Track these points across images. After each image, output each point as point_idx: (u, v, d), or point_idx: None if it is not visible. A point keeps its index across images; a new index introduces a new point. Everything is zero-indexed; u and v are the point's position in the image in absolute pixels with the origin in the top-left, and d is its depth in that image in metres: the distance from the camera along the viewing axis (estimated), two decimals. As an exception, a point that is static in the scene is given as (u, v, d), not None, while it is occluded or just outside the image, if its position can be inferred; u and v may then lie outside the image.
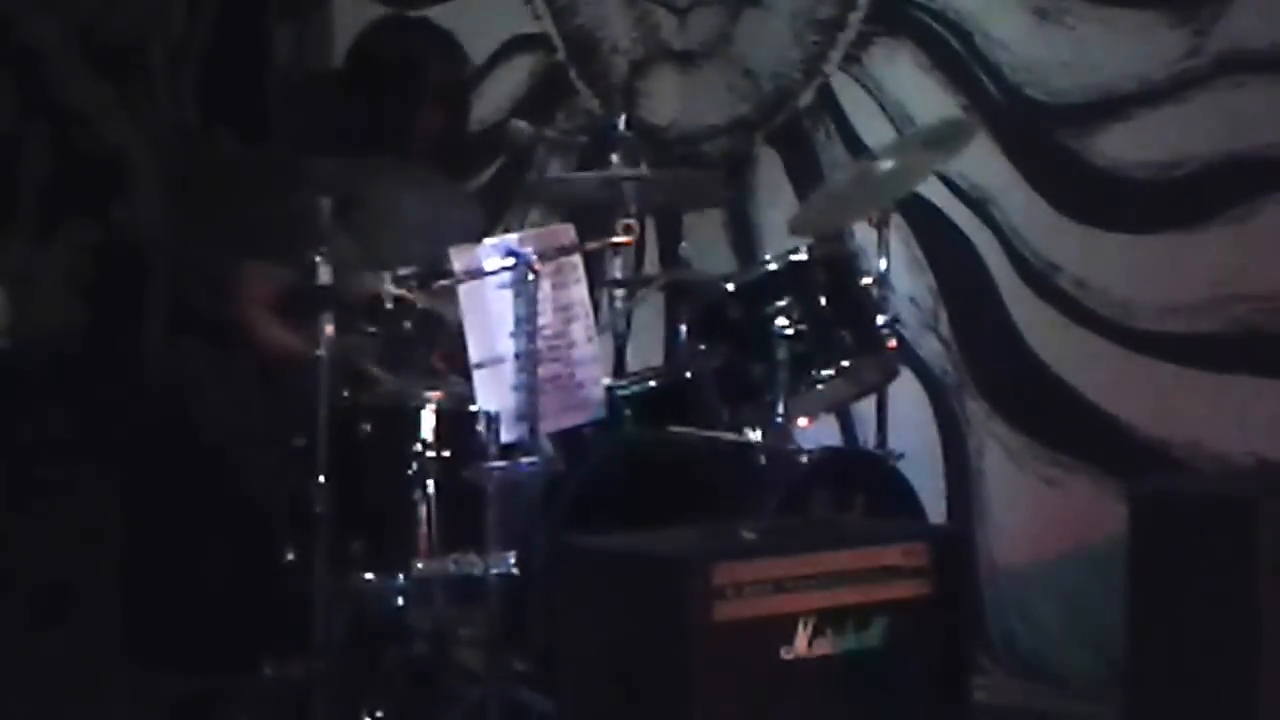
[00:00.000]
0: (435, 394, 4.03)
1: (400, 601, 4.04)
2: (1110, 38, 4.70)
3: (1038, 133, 4.83)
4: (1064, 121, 4.78)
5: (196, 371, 6.10)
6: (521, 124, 4.83)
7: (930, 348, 5.02)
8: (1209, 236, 4.48)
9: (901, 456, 4.42)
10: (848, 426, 5.03)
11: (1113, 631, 3.68)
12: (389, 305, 4.06)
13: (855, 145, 5.15)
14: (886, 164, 4.55)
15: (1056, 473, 4.77)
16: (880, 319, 4.27)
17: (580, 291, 4.02)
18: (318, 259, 3.94)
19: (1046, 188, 4.82)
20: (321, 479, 3.88)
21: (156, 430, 5.60)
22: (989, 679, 4.63)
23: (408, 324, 4.07)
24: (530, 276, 3.85)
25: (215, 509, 5.15)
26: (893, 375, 4.42)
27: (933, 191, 4.95)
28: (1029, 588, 4.78)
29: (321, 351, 3.91)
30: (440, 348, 4.10)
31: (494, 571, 3.83)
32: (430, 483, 3.98)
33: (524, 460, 3.85)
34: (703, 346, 4.25)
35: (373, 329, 4.08)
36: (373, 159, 4.44)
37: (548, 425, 3.95)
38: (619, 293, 4.56)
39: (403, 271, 4.06)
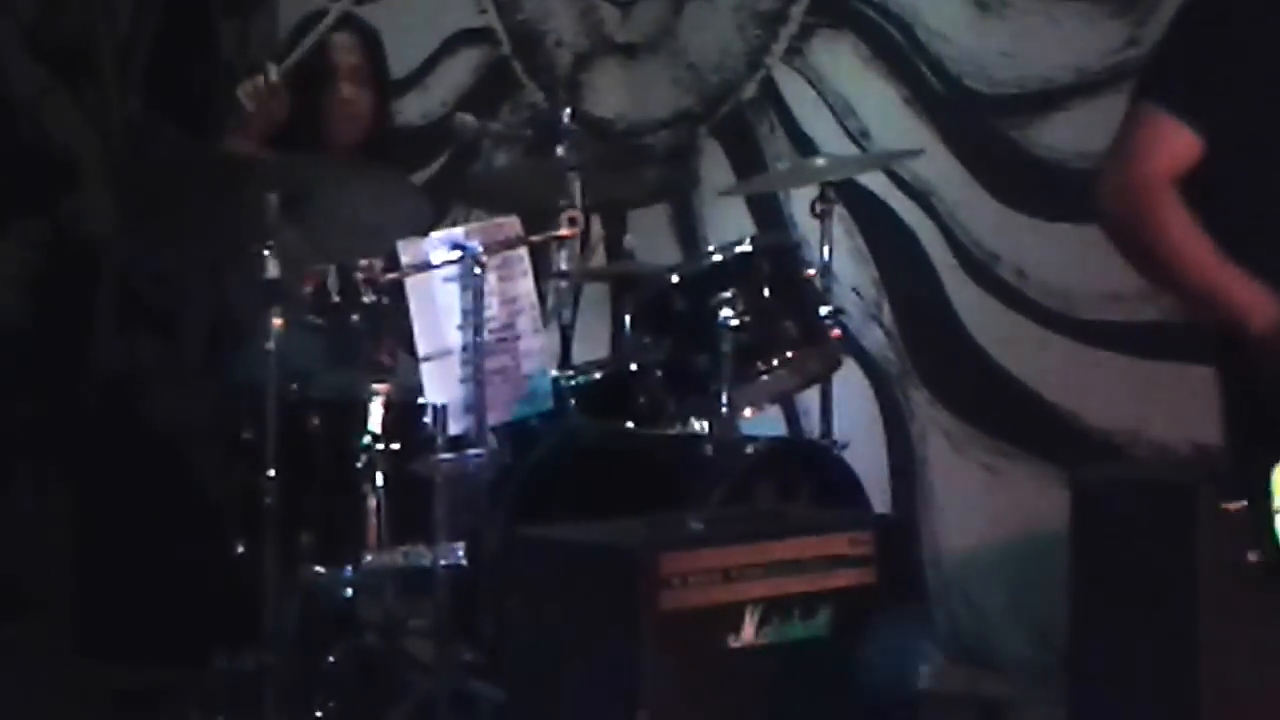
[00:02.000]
0: (383, 386, 4.02)
1: (350, 593, 4.03)
2: (1050, 29, 4.71)
3: (978, 124, 4.83)
4: (1004, 112, 4.78)
5: (145, 365, 6.07)
6: (467, 117, 4.81)
7: (873, 338, 5.02)
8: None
9: (845, 446, 4.42)
10: (792, 416, 5.02)
11: (1056, 618, 3.68)
12: (335, 298, 4.03)
13: (798, 137, 5.15)
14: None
15: (999, 461, 4.78)
16: (824, 310, 4.26)
17: (526, 284, 4.00)
18: (265, 253, 3.92)
19: (987, 178, 4.82)
20: (270, 472, 3.87)
21: (105, 424, 5.57)
22: (933, 666, 4.63)
23: (355, 317, 4.05)
24: (477, 270, 3.83)
25: (164, 502, 5.12)
26: (836, 365, 4.42)
27: (875, 182, 4.95)
28: (972, 575, 4.79)
29: (270, 345, 3.88)
30: (386, 341, 4.07)
31: (443, 563, 3.82)
32: (379, 475, 3.98)
33: (471, 452, 3.83)
34: (648, 338, 4.23)
35: (319, 321, 4.05)
36: (320, 154, 4.42)
37: (495, 417, 3.94)
38: (564, 285, 4.54)
39: (351, 264, 4.04)
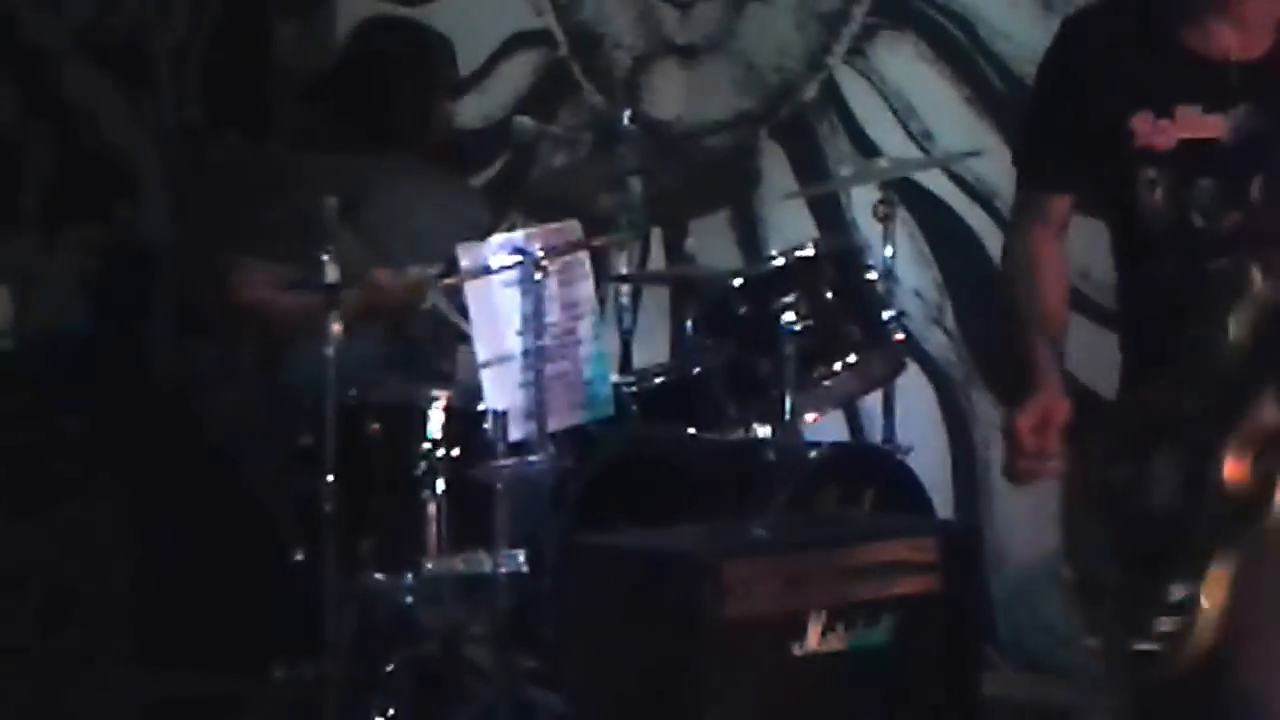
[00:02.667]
0: (442, 392, 4.03)
1: (410, 601, 4.05)
2: None
3: None
4: None
5: (202, 371, 6.10)
6: (525, 120, 4.83)
7: (936, 341, 5.01)
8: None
9: (909, 451, 4.42)
10: (855, 421, 5.02)
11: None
12: (398, 306, 4.05)
13: (860, 138, 5.15)
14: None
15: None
16: (886, 313, 4.27)
17: (587, 288, 4.01)
18: (324, 258, 3.94)
19: None
20: (329, 478, 3.87)
21: (163, 430, 5.60)
22: (997, 673, 4.62)
23: (419, 324, 4.07)
24: (537, 274, 3.84)
25: (223, 509, 5.15)
26: (899, 369, 4.42)
27: (938, 185, 4.95)
28: (1036, 581, 4.78)
29: (329, 349, 3.90)
30: (448, 348, 4.10)
31: (503, 570, 3.83)
32: (439, 481, 3.98)
33: (532, 458, 3.84)
34: (709, 342, 4.24)
35: (382, 329, 4.08)
36: (377, 156, 4.43)
37: (555, 423, 3.95)
38: (625, 289, 4.55)
39: (413, 270, 4.06)
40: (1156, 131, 2.81)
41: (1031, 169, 3.01)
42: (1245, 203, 2.80)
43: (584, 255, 4.02)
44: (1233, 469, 2.60)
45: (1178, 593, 2.62)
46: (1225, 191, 2.80)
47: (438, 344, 4.08)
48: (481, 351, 3.88)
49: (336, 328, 3.91)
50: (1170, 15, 2.82)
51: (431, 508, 3.97)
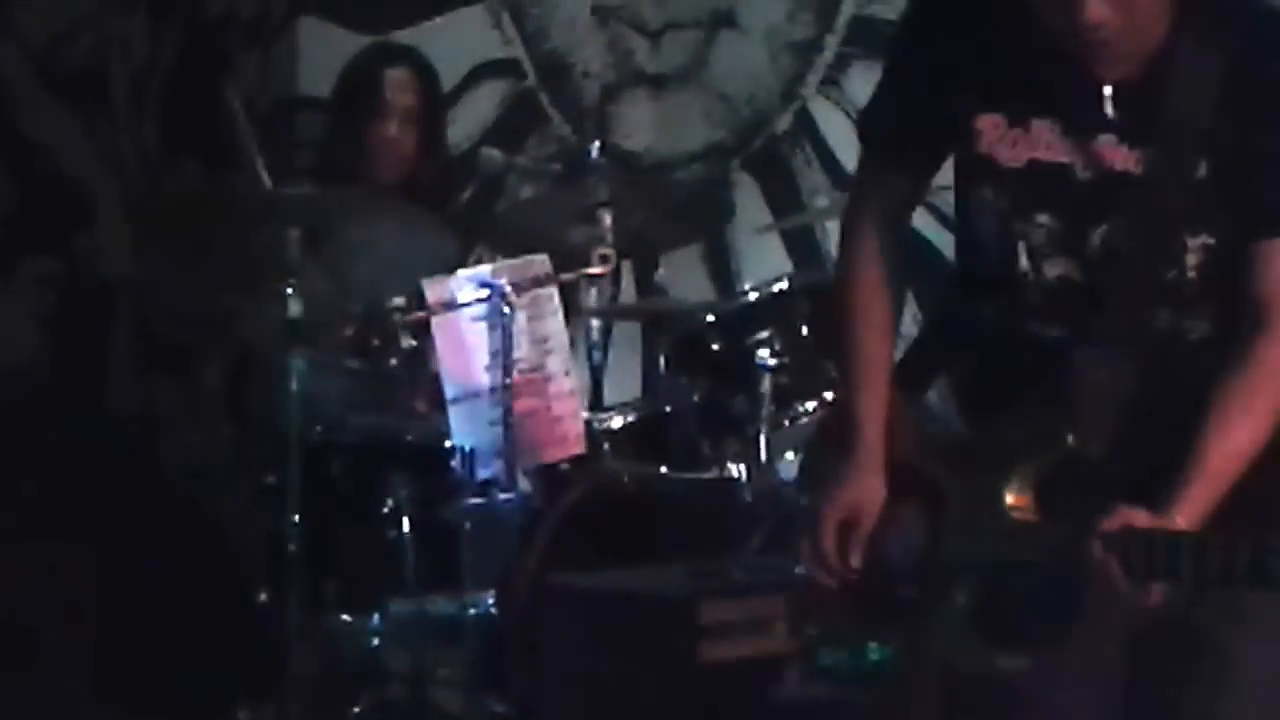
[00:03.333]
0: (410, 430, 4.03)
1: (376, 643, 4.04)
2: None
3: None
4: None
5: (164, 408, 6.08)
6: (493, 152, 4.83)
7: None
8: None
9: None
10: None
11: None
12: (375, 341, 4.04)
13: (835, 170, 5.16)
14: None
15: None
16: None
17: (557, 323, 4.01)
18: (288, 291, 3.93)
19: None
20: (294, 517, 3.86)
21: (123, 468, 5.58)
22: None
23: (393, 361, 4.05)
24: (506, 309, 3.84)
25: (185, 549, 5.13)
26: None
27: (916, 217, 4.95)
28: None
29: (293, 385, 3.90)
30: (423, 387, 4.08)
31: (472, 611, 3.83)
32: (406, 520, 3.98)
33: (501, 497, 3.83)
34: (682, 379, 4.24)
35: (356, 365, 4.07)
36: (342, 188, 4.44)
37: (525, 461, 3.93)
38: (595, 323, 4.54)
39: (387, 305, 4.05)
40: (1004, 141, 2.49)
41: (873, 133, 2.70)
42: (1081, 253, 2.48)
43: (553, 289, 4.02)
44: None
45: None
46: (1064, 234, 2.48)
47: (412, 380, 4.07)
48: (449, 388, 3.88)
49: (300, 362, 3.91)
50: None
51: (399, 547, 3.98)
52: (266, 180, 4.31)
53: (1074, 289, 2.49)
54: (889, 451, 2.61)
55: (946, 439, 2.65)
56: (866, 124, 2.74)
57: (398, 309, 4.03)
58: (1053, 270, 2.50)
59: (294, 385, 3.91)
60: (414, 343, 4.05)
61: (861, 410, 2.63)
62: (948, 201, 4.88)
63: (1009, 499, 2.46)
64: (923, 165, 2.66)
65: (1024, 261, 2.51)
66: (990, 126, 2.49)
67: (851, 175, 4.97)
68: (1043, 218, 2.49)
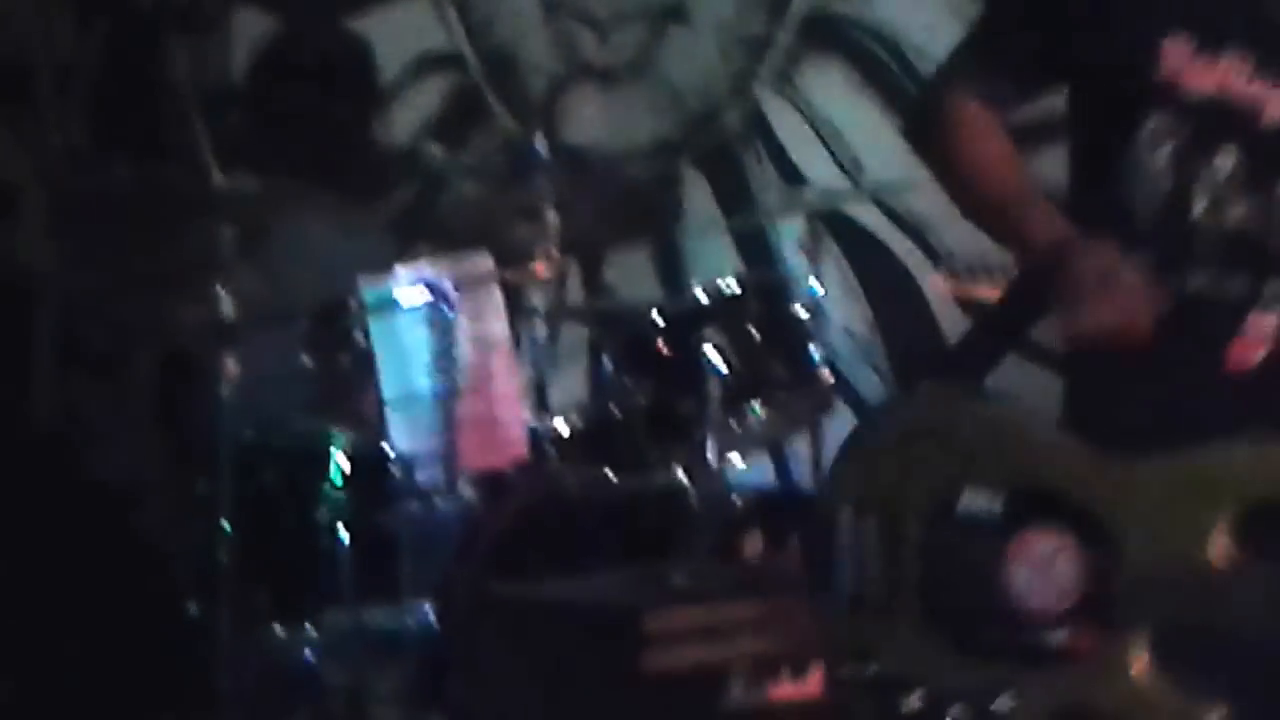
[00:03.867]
0: (345, 434, 4.04)
1: (311, 656, 4.05)
2: None
3: None
4: None
5: (88, 412, 6.08)
6: (434, 148, 4.85)
7: (866, 380, 5.07)
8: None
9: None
10: (781, 464, 5.07)
11: None
12: (328, 338, 4.02)
13: (786, 168, 5.21)
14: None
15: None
16: (814, 351, 4.31)
17: (500, 324, 4.04)
18: (219, 291, 3.95)
19: None
20: (225, 526, 3.88)
21: (44, 474, 5.57)
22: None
23: (344, 359, 4.05)
24: (447, 309, 3.86)
25: (111, 559, 5.13)
26: (827, 409, 4.47)
27: (867, 217, 5.01)
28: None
29: (223, 390, 3.92)
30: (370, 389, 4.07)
31: (411, 622, 3.84)
32: (342, 528, 3.99)
33: (441, 503, 3.86)
34: (628, 381, 4.27)
35: (305, 363, 4.05)
36: (279, 182, 4.45)
37: (466, 466, 3.96)
38: (540, 324, 4.58)
39: (343, 300, 4.04)
40: (1192, 69, 2.32)
41: (994, 42, 2.50)
42: (1269, 202, 2.33)
43: (496, 289, 4.05)
44: None
45: None
46: (1249, 178, 2.32)
47: (359, 379, 4.06)
48: (387, 390, 3.90)
49: (231, 366, 3.93)
50: None
51: (334, 557, 3.98)
52: (217, 172, 4.30)
53: (1252, 242, 2.33)
54: (1016, 473, 2.34)
55: (1084, 453, 2.34)
56: (993, 28, 2.54)
57: (352, 305, 4.03)
58: (1230, 218, 2.35)
59: (224, 389, 3.92)
60: (363, 341, 4.06)
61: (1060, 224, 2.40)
62: (902, 202, 4.97)
63: (1209, 539, 2.21)
64: (1042, 83, 2.49)
65: (1199, 207, 2.35)
66: (1175, 51, 2.33)
67: (800, 172, 5.10)
68: (1225, 159, 2.34)
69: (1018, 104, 2.52)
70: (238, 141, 4.89)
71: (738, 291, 4.27)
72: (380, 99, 4.92)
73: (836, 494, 2.44)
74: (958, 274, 2.98)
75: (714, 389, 4.11)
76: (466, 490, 4.10)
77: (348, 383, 4.07)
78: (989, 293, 2.98)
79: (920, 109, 2.69)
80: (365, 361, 4.04)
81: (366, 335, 4.03)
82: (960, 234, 4.89)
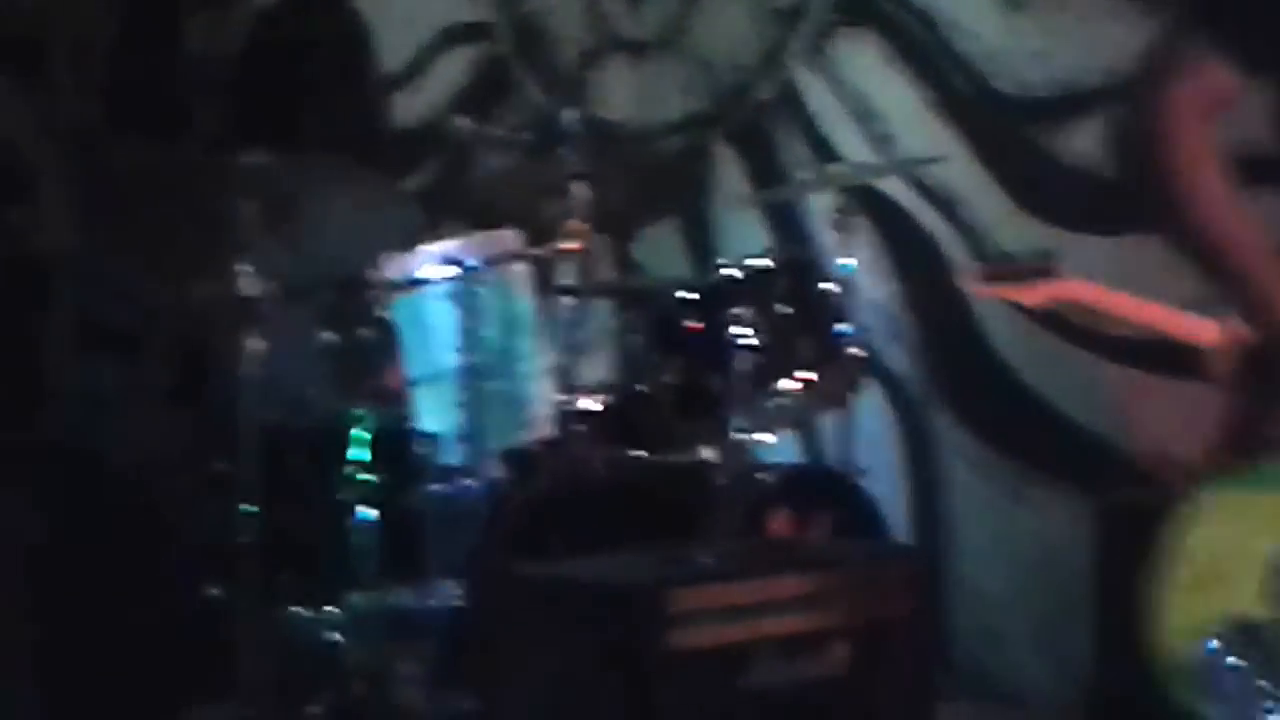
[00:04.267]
0: (370, 412, 4.07)
1: (334, 637, 4.08)
2: (1080, 27, 4.75)
3: (1007, 128, 4.89)
4: (1034, 116, 4.83)
5: (105, 391, 6.13)
6: (462, 120, 4.88)
7: (896, 357, 5.12)
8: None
9: (865, 472, 4.51)
10: (810, 441, 5.12)
11: (1080, 650, 3.75)
12: (350, 312, 4.05)
13: (818, 142, 5.23)
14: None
15: (1025, 486, 4.85)
16: (844, 327, 4.34)
17: (527, 301, 4.07)
18: (241, 269, 3.99)
19: (1016, 186, 4.88)
20: (247, 506, 3.93)
21: (61, 455, 5.62)
22: (953, 704, 4.71)
23: (366, 334, 4.07)
24: (473, 286, 3.90)
25: (130, 541, 5.18)
26: (857, 387, 4.51)
27: (898, 192, 5.05)
28: (995, 606, 4.86)
29: (246, 368, 3.96)
30: (392, 366, 4.09)
31: (435, 603, 3.90)
32: (366, 508, 4.04)
33: (467, 482, 3.91)
34: (657, 358, 4.29)
35: (326, 339, 4.07)
36: (298, 156, 4.48)
37: (493, 445, 4.00)
38: (568, 301, 4.62)
39: (365, 275, 4.08)
40: None
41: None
42: None
43: (523, 266, 4.08)
44: None
45: None
46: None
47: (384, 355, 4.09)
48: (413, 369, 3.95)
49: (254, 343, 3.97)
50: None
51: (358, 537, 4.03)
52: (236, 148, 4.32)
53: None
54: None
55: None
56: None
57: (375, 280, 4.06)
58: None
59: (246, 367, 3.96)
60: (388, 316, 4.07)
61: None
62: (933, 176, 4.99)
63: None
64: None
65: None
66: None
67: (831, 146, 5.13)
68: None
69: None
70: (253, 116, 4.92)
71: (768, 267, 4.31)
72: (379, 71, 4.88)
73: None
74: (997, 274, 3.02)
75: (743, 366, 4.13)
76: (493, 469, 4.14)
77: (371, 360, 4.09)
78: (1029, 295, 3.00)
79: None
80: (390, 338, 4.07)
81: (391, 312, 4.06)
82: (990, 211, 4.97)
